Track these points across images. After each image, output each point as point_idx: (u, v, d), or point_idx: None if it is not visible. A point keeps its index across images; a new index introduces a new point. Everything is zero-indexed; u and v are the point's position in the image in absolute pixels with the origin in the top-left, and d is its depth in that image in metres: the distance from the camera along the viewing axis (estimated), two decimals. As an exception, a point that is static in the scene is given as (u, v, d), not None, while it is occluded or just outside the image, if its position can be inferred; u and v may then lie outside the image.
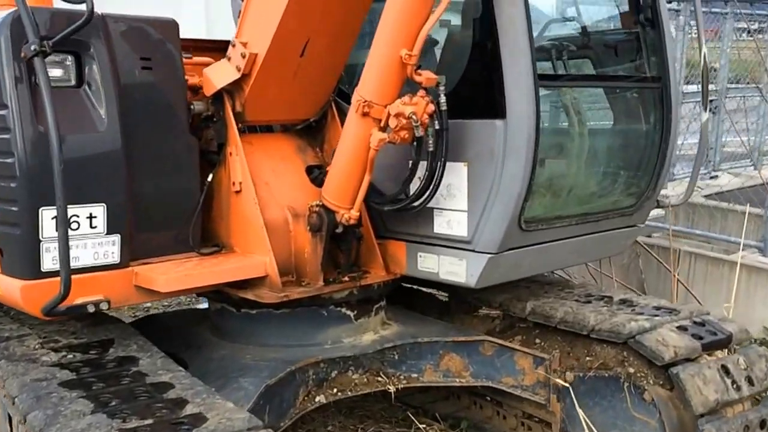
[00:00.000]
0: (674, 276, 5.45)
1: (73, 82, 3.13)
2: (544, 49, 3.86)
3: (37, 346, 3.26)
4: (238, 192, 3.56)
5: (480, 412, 4.57)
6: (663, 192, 4.38)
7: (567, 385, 3.60)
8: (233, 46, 3.51)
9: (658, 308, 3.75)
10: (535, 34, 3.93)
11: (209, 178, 3.59)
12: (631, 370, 3.48)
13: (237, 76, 3.49)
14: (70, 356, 3.17)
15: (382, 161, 3.71)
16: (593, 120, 4.02)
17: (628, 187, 4.08)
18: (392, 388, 3.78)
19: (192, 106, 3.52)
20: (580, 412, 3.40)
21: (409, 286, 5.04)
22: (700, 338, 3.41)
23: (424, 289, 5.12)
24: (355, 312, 3.83)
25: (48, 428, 2.49)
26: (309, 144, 3.99)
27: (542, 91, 3.47)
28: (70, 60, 3.11)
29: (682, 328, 3.46)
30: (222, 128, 3.59)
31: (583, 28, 4.20)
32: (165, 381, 2.86)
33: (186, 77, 3.51)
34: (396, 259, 3.88)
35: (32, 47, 2.71)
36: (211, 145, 3.63)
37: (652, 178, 4.06)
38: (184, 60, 3.51)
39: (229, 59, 3.54)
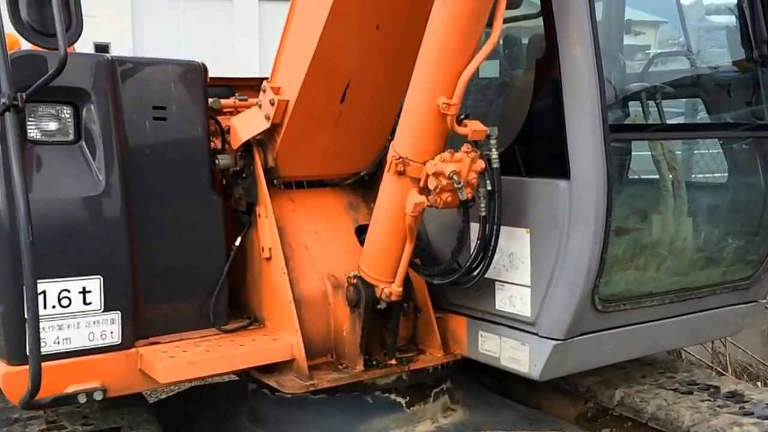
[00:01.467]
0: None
1: (71, 137, 2.80)
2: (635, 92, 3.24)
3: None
4: (268, 259, 3.15)
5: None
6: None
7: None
8: (263, 91, 3.12)
9: (774, 408, 2.99)
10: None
11: (237, 243, 3.20)
12: (738, 490, 2.75)
13: (267, 125, 3.10)
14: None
15: (436, 225, 3.22)
16: (696, 175, 3.33)
17: (741, 256, 3.34)
18: (447, 490, 3.21)
19: (217, 161, 3.15)
20: None
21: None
22: (828, 453, 2.64)
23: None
24: (407, 399, 3.30)
25: None
26: (363, 200, 3.52)
27: (624, 145, 2.87)
28: (67, 111, 2.79)
29: (802, 439, 2.70)
30: (252, 185, 3.20)
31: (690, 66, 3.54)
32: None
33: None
34: (456, 337, 3.32)
35: (2, 100, 2.39)
36: (240, 204, 3.24)
37: (771, 245, 3.31)
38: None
39: (259, 106, 3.16)
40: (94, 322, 2.74)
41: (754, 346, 5.11)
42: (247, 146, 3.21)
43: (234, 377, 3.69)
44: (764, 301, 3.50)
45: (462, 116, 2.70)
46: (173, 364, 2.77)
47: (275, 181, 3.33)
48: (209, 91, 3.16)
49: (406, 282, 3.09)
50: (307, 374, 2.98)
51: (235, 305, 3.34)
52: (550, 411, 3.68)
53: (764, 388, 3.50)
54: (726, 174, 3.38)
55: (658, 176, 3.10)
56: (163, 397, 4.42)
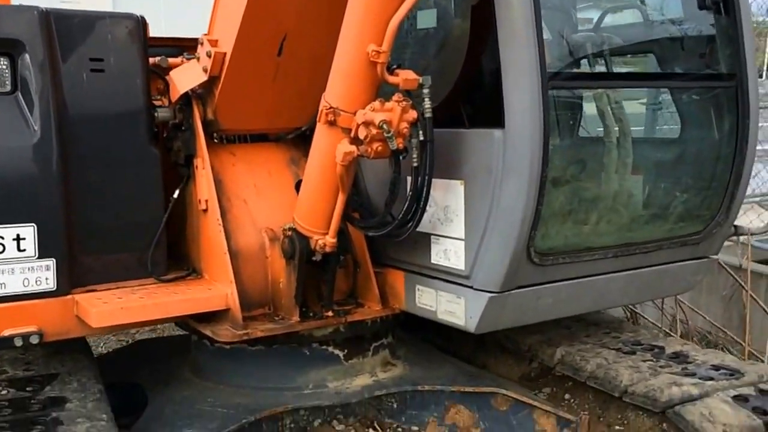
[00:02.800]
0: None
1: (8, 88, 2.81)
2: (580, 43, 3.14)
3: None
4: (204, 211, 3.11)
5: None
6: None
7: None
8: (201, 44, 3.06)
9: (717, 368, 2.95)
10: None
11: (175, 195, 3.16)
12: (670, 448, 2.73)
13: (204, 78, 3.05)
14: (3, 392, 2.84)
15: (374, 178, 3.16)
16: (647, 129, 3.26)
17: (691, 211, 3.28)
18: (383, 451, 3.21)
19: (156, 114, 3.10)
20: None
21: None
22: (765, 413, 2.61)
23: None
24: (345, 352, 3.28)
25: None
26: (305, 155, 3.45)
27: (567, 95, 2.80)
28: (4, 63, 2.79)
29: (740, 399, 2.67)
30: (190, 138, 3.14)
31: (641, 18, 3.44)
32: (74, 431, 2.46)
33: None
34: (395, 292, 3.29)
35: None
36: (179, 157, 3.19)
37: (724, 199, 3.24)
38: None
39: (197, 59, 3.10)
40: (28, 269, 2.76)
41: (715, 312, 5.07)
42: (187, 99, 3.16)
43: (182, 332, 3.69)
44: (716, 257, 3.44)
45: (394, 66, 2.64)
46: (106, 310, 2.79)
47: (215, 135, 3.30)
48: (158, 50, 3.16)
49: (342, 234, 3.05)
50: (242, 324, 2.96)
51: (176, 258, 3.33)
52: (495, 370, 3.66)
53: (710, 349, 3.45)
54: (677, 127, 3.30)
55: (602, 129, 3.03)
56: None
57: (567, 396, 3.28)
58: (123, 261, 3.03)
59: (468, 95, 2.85)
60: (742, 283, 4.57)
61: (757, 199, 6.72)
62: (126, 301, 2.85)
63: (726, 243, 5.15)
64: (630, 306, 5.32)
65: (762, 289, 5.15)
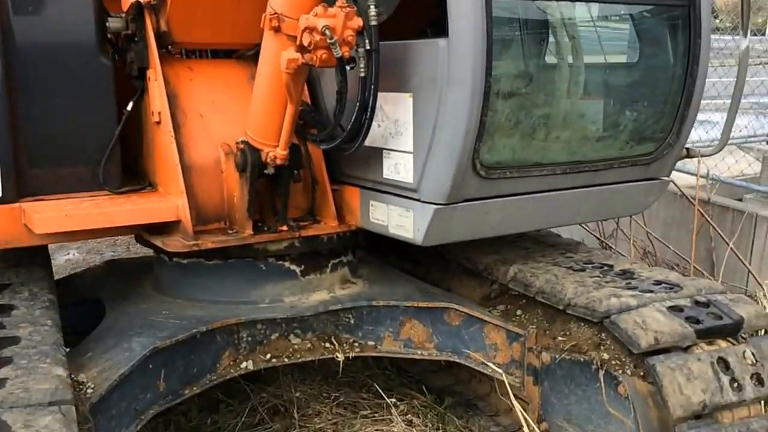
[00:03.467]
0: (729, 245, 4.54)
1: None
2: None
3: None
4: (158, 123, 3.13)
5: (478, 386, 4.00)
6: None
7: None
8: (152, -51, 3.04)
9: (658, 282, 3.00)
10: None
11: (129, 107, 3.17)
12: (606, 356, 2.79)
13: (155, -14, 3.03)
14: (-40, 296, 2.90)
15: (331, 91, 3.16)
16: (599, 45, 3.24)
17: (643, 132, 3.29)
18: (341, 357, 3.29)
19: (107, 23, 3.09)
20: (517, 405, 2.76)
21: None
22: (697, 322, 2.66)
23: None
24: (302, 268, 3.34)
25: None
26: None
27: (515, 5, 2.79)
28: None
29: (675, 309, 2.72)
30: (143, 49, 3.14)
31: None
32: (17, 335, 2.51)
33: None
34: (351, 208, 3.33)
35: None
36: (132, 69, 3.19)
37: (675, 120, 3.25)
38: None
39: (150, -34, 3.08)
40: (-28, 177, 2.77)
41: (683, 245, 5.12)
42: (139, 9, 3.14)
43: (149, 253, 3.74)
44: (667, 179, 3.46)
45: (333, -34, 2.62)
46: (50, 216, 2.81)
47: (171, 48, 3.29)
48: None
49: (295, 149, 3.08)
50: (192, 235, 3.00)
51: (135, 173, 3.37)
52: (458, 292, 3.72)
53: (658, 267, 3.50)
54: (630, 48, 3.29)
55: (553, 43, 3.02)
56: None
57: (519, 312, 3.35)
58: (75, 173, 3.05)
59: (416, 5, 2.84)
60: (704, 214, 4.61)
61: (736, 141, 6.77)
62: (73, 209, 2.88)
63: (700, 182, 5.22)
64: (602, 239, 5.39)
65: (728, 222, 5.19)
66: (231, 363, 3.13)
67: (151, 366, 2.76)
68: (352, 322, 3.35)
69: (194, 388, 2.97)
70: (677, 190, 5.13)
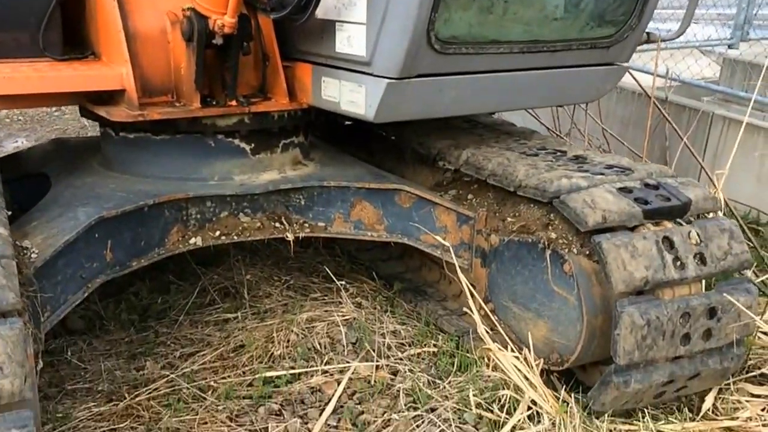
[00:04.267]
0: (683, 140, 4.57)
1: None
2: None
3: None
4: None
5: (428, 274, 4.05)
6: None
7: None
8: None
9: (611, 166, 3.01)
10: None
11: (68, -30, 2.99)
12: (554, 235, 2.81)
13: None
14: None
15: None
16: None
17: (604, 15, 3.22)
18: (291, 237, 3.27)
19: None
20: (464, 279, 2.79)
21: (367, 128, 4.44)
22: (646, 203, 2.69)
23: (379, 131, 4.51)
24: (252, 146, 3.27)
25: None
26: None
27: None
28: None
29: (624, 190, 2.74)
30: None
31: None
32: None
33: None
34: (303, 86, 3.24)
35: None
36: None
37: (637, 3, 3.19)
38: None
39: None
40: None
41: (639, 145, 5.13)
42: None
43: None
44: (626, 64, 3.43)
45: None
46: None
47: None
48: None
49: (245, 19, 2.96)
50: (138, 106, 2.90)
51: (79, 44, 3.21)
52: (412, 180, 3.70)
53: (610, 154, 3.51)
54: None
55: None
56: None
57: (470, 196, 3.35)
58: (15, 38, 2.90)
59: None
60: (661, 109, 4.61)
61: (697, 43, 6.74)
62: (11, 72, 2.75)
63: (659, 82, 5.20)
64: (558, 135, 5.38)
65: (683, 121, 5.22)
66: (180, 239, 3.09)
67: (97, 235, 2.71)
68: (302, 203, 3.32)
69: (142, 261, 2.94)
70: (636, 87, 5.11)
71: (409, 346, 3.40)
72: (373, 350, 3.30)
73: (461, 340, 3.33)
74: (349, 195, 3.29)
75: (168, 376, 3.18)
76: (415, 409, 2.90)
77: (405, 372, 3.18)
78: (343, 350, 3.36)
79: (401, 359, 3.28)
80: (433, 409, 2.88)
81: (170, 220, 3.04)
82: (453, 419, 2.78)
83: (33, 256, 2.39)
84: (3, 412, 1.76)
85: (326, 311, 3.67)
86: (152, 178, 3.17)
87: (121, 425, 2.85)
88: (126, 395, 3.03)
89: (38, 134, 7.11)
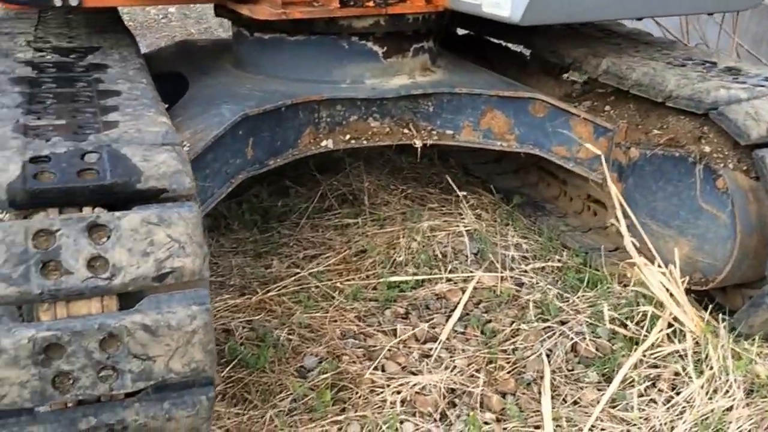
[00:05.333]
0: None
1: None
2: None
3: (23, 44, 2.98)
4: None
5: (546, 190, 3.99)
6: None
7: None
8: None
9: (768, 79, 2.84)
10: None
11: None
12: (708, 149, 2.69)
13: None
14: (48, 56, 2.85)
15: None
16: None
17: None
18: (419, 143, 3.24)
19: None
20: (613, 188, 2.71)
21: (486, 38, 4.32)
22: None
23: (499, 42, 4.38)
24: (385, 49, 3.21)
25: None
26: None
27: None
28: None
29: (789, 101, 2.58)
30: None
31: None
32: (116, 89, 2.46)
33: None
34: (440, -12, 3.14)
35: None
36: None
37: None
38: None
39: None
40: None
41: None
42: None
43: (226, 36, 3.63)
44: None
45: None
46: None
47: None
48: None
49: None
50: (280, 4, 2.87)
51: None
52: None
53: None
54: None
55: None
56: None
57: (607, 108, 3.23)
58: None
59: None
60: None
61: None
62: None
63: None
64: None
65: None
66: (311, 140, 3.10)
67: (240, 132, 2.74)
68: (431, 109, 3.26)
69: (278, 160, 2.96)
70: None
71: (533, 259, 3.37)
72: (497, 261, 3.28)
73: (589, 256, 3.28)
74: (479, 103, 3.21)
75: (297, 274, 3.25)
76: (545, 320, 2.89)
77: (530, 284, 3.17)
78: (466, 260, 3.36)
79: (525, 272, 3.26)
80: (563, 322, 2.86)
81: (303, 122, 3.04)
82: (586, 332, 2.75)
83: (185, 149, 2.43)
84: (183, 290, 1.81)
85: (446, 221, 3.66)
86: (285, 79, 3.16)
87: (256, 317, 2.94)
88: (257, 290, 3.12)
89: (148, 40, 7.21)
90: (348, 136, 3.15)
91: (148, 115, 2.22)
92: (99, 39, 3.10)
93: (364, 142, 3.17)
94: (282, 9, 2.85)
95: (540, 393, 2.52)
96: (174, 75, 3.39)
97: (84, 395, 1.74)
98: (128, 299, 1.81)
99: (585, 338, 2.71)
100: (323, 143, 3.11)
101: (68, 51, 2.93)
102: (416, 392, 2.53)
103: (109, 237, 1.75)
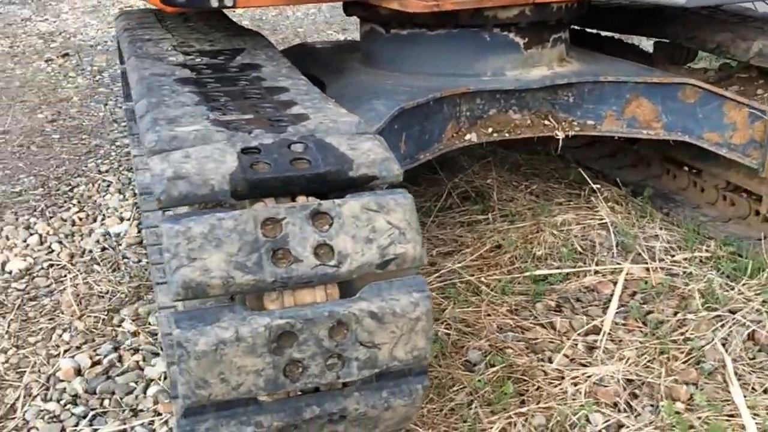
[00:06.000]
0: None
1: None
2: None
3: (169, 48, 3.03)
4: None
5: (672, 182, 3.89)
6: None
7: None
8: None
9: None
10: None
11: None
12: None
13: None
14: (198, 59, 2.89)
15: None
16: None
17: None
18: (561, 135, 3.19)
19: None
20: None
21: (605, 34, 4.26)
22: None
23: (621, 38, 4.32)
24: (526, 40, 3.18)
25: (147, 114, 2.22)
26: None
27: None
28: None
29: None
30: None
31: None
32: (281, 86, 2.47)
33: None
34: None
35: None
36: None
37: None
38: None
39: None
40: None
41: None
42: None
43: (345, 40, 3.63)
44: None
45: None
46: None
47: None
48: None
49: None
50: None
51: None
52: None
53: None
54: None
55: None
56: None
57: (759, 92, 3.14)
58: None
59: None
60: None
61: None
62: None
63: None
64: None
65: None
66: (455, 134, 3.07)
67: (396, 127, 2.73)
68: (570, 100, 3.21)
69: (427, 154, 2.95)
70: None
71: (678, 250, 3.28)
72: (643, 253, 3.20)
73: (742, 245, 3.18)
74: (624, 91, 3.15)
75: (438, 271, 3.22)
76: (713, 309, 2.80)
77: (684, 274, 3.08)
78: (609, 252, 3.29)
79: (677, 262, 3.17)
80: (733, 311, 2.77)
81: (446, 116, 3.02)
82: (765, 320, 2.66)
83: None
84: (401, 278, 1.79)
85: (578, 215, 3.60)
86: (424, 74, 3.14)
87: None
88: (404, 287, 3.09)
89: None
90: (490, 129, 3.12)
91: (328, 107, 2.22)
92: (239, 41, 3.14)
93: (506, 134, 3.14)
94: (434, 1, 2.82)
95: (725, 382, 2.43)
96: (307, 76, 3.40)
97: (312, 383, 1.73)
98: (349, 288, 1.79)
99: (765, 326, 2.61)
100: (467, 137, 3.09)
101: (215, 53, 2.97)
102: (594, 383, 2.47)
103: (331, 225, 1.74)
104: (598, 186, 3.65)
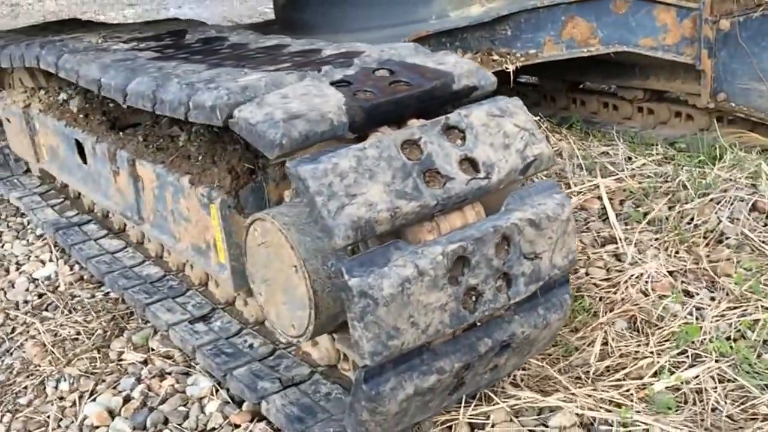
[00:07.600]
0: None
1: None
2: None
3: (100, 41, 2.66)
4: None
5: (583, 109, 4.10)
6: None
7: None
8: None
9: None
10: None
11: None
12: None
13: None
14: (143, 44, 2.56)
15: None
16: None
17: None
18: (510, 67, 3.21)
19: None
20: None
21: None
22: None
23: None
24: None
25: (167, 83, 1.91)
26: None
27: None
28: None
29: None
30: None
31: None
32: (277, 44, 2.25)
33: None
34: None
35: None
36: None
37: None
38: None
39: None
40: None
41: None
42: None
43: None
44: None
45: None
46: None
47: None
48: None
49: None
50: None
51: None
52: None
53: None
54: None
55: None
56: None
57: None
58: None
59: None
60: None
61: None
62: None
63: None
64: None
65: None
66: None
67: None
68: (509, 33, 3.24)
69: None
70: None
71: (635, 158, 3.42)
72: (605, 167, 3.31)
73: (690, 141, 3.38)
74: (558, 14, 3.23)
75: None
76: (706, 195, 2.93)
77: (655, 175, 3.21)
78: (575, 175, 3.36)
79: (641, 168, 3.30)
80: (725, 191, 2.92)
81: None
82: (762, 190, 2.83)
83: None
84: (535, 184, 1.68)
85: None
86: (373, 29, 3.03)
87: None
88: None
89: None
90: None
91: (359, 44, 2.05)
92: (168, 26, 2.83)
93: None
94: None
95: (754, 251, 2.56)
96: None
97: (488, 311, 1.57)
98: (490, 204, 1.65)
99: (764, 195, 2.78)
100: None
101: (156, 38, 2.66)
102: (645, 281, 2.50)
103: (464, 137, 1.59)
104: (537, 119, 3.72)
